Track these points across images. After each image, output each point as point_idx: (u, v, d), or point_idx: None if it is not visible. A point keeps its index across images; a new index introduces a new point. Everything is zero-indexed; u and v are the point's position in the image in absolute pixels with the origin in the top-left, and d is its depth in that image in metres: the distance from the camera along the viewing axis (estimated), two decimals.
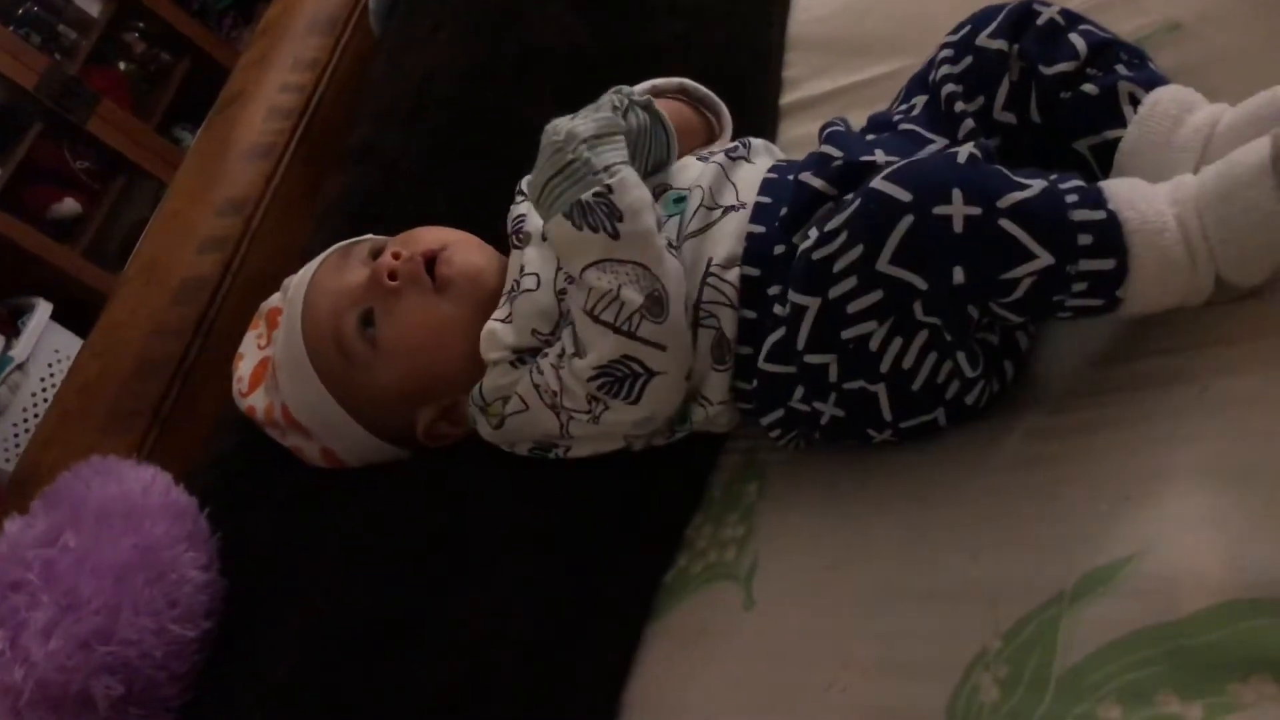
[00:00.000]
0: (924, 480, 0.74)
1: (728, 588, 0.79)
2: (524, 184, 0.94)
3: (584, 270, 0.75)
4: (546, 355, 0.82)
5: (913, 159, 0.68)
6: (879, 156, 0.75)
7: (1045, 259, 0.63)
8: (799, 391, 0.74)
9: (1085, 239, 0.63)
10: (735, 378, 0.80)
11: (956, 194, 0.62)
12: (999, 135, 0.75)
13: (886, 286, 0.66)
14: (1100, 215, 0.63)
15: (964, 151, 0.66)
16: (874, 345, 0.69)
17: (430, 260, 0.89)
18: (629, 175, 0.75)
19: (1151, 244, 0.63)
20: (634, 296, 0.74)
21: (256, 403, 0.98)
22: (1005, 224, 0.62)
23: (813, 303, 0.68)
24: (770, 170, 0.84)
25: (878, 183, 0.64)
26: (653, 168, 0.87)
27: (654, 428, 0.83)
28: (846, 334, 0.68)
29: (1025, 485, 0.69)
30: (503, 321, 0.86)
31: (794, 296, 0.69)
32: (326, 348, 0.91)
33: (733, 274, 0.79)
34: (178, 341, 1.22)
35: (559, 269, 0.83)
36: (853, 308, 0.67)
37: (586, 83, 0.87)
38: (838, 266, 0.66)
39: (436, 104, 1.22)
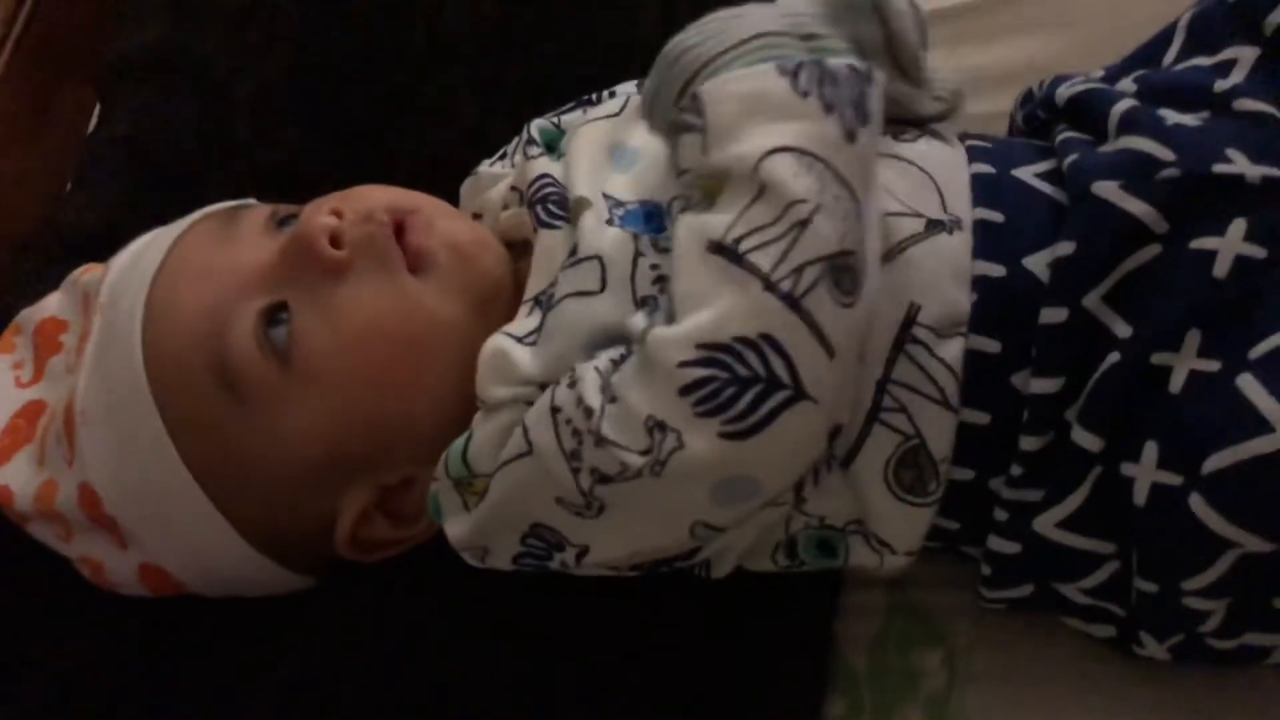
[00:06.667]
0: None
1: None
2: (534, 128, 0.60)
3: (773, 152, 0.44)
4: (593, 359, 0.48)
5: None
6: (1242, 166, 0.46)
7: None
8: (1096, 580, 0.48)
9: None
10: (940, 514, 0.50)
11: None
12: None
13: None
14: None
15: None
16: None
17: (399, 226, 0.54)
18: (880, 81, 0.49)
19: None
20: (828, 233, 0.43)
21: (17, 481, 0.57)
22: None
23: (1253, 542, 0.43)
24: (977, 158, 0.52)
25: None
26: None
27: (742, 519, 0.49)
28: None
29: None
30: (521, 340, 0.50)
31: (1205, 520, 0.42)
32: (193, 376, 0.53)
33: (952, 349, 0.47)
34: None
35: (638, 254, 0.49)
36: None
37: None
38: None
39: None
